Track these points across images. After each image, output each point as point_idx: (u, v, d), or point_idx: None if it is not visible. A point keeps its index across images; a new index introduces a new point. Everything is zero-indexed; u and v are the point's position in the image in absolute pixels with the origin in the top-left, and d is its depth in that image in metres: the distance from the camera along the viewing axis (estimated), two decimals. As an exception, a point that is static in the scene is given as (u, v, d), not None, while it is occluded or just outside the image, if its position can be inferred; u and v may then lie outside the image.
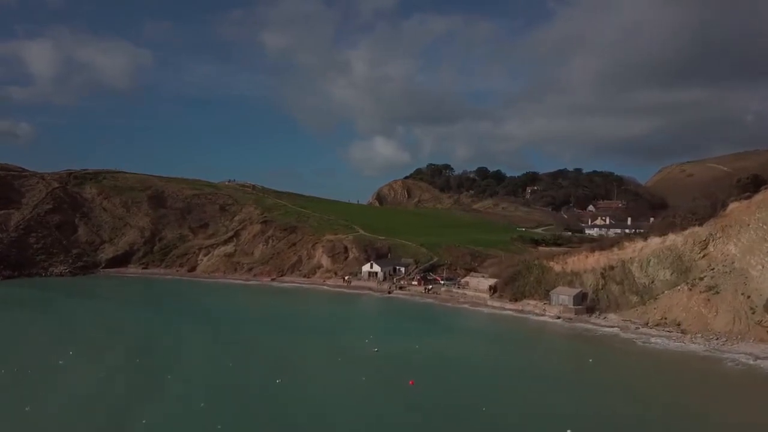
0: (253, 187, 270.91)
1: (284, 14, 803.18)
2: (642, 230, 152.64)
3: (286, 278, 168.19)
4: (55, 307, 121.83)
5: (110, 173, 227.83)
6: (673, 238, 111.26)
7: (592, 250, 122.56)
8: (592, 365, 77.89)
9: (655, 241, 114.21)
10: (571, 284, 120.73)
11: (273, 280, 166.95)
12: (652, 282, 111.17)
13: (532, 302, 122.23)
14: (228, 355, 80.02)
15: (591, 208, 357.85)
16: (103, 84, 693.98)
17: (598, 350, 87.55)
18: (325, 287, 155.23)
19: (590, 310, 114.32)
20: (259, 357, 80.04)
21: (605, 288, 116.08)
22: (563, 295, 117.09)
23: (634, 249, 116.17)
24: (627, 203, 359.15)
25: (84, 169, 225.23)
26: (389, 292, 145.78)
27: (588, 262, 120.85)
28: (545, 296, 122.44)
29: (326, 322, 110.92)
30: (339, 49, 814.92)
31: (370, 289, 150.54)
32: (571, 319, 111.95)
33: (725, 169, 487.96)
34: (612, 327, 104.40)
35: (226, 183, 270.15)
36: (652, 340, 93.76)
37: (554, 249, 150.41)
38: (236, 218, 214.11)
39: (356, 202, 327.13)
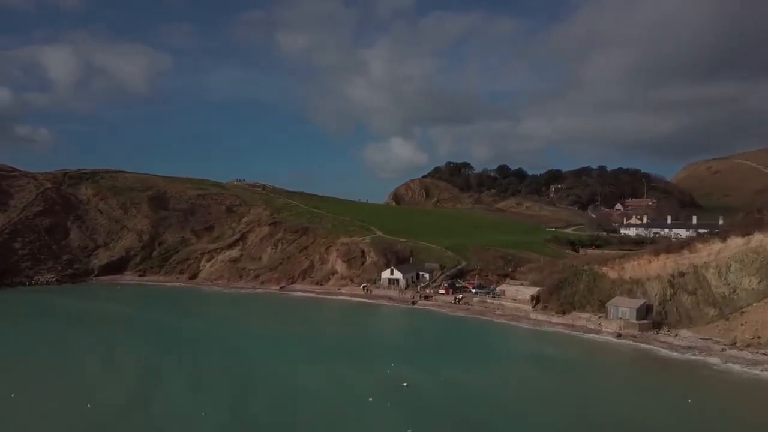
0: (263, 186, 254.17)
1: (302, 15, 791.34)
2: (707, 230, 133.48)
3: (296, 286, 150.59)
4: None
5: (108, 173, 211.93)
6: (760, 239, 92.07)
7: (656, 253, 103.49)
8: (695, 410, 59.03)
9: (736, 242, 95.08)
10: (631, 294, 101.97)
11: (282, 288, 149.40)
12: (734, 291, 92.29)
13: (585, 315, 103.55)
14: (213, 396, 62.50)
15: (619, 206, 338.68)
16: (121, 89, 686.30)
17: (690, 383, 68.74)
18: (341, 297, 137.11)
19: (657, 326, 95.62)
20: (265, 396, 62.52)
21: (674, 299, 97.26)
22: (623, 308, 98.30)
23: (710, 252, 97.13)
24: (657, 201, 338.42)
25: (80, 169, 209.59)
26: (413, 303, 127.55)
27: (651, 268, 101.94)
28: (599, 308, 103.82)
29: (344, 343, 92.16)
30: (357, 49, 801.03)
31: (390, 298, 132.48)
32: (635, 336, 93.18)
33: (754, 165, 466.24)
34: (690, 348, 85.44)
35: (234, 183, 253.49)
36: (750, 367, 74.82)
37: (605, 252, 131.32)
38: (244, 220, 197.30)
39: (365, 201, 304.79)
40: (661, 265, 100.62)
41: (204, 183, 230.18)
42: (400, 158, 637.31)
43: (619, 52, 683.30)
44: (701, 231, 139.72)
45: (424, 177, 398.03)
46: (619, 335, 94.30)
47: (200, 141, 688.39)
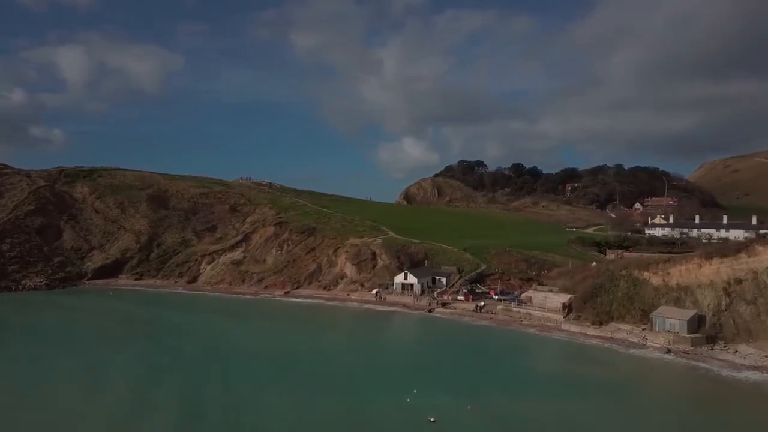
0: (270, 185, 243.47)
1: (315, 14, 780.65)
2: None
3: (302, 291, 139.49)
4: None
5: (107, 170, 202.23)
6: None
7: (708, 257, 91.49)
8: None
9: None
10: (678, 303, 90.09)
11: (287, 293, 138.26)
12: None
13: (625, 327, 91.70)
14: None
15: (638, 206, 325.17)
16: (134, 89, 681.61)
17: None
18: (350, 304, 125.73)
19: (711, 340, 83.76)
20: None
21: (731, 309, 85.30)
22: (672, 319, 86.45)
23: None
24: (679, 200, 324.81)
25: (78, 167, 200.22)
26: (429, 311, 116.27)
27: (703, 274, 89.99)
28: (641, 319, 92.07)
29: (353, 363, 79.64)
30: (369, 49, 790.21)
31: (404, 305, 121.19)
32: (687, 353, 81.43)
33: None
34: (756, 367, 73.54)
35: (240, 181, 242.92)
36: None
37: (645, 255, 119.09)
38: (248, 220, 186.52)
39: (369, 199, 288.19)
40: (714, 270, 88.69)
41: (207, 181, 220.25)
42: (411, 158, 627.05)
43: (636, 50, 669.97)
44: (763, 232, 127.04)
45: (436, 176, 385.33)
46: (668, 351, 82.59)
47: (210, 142, 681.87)
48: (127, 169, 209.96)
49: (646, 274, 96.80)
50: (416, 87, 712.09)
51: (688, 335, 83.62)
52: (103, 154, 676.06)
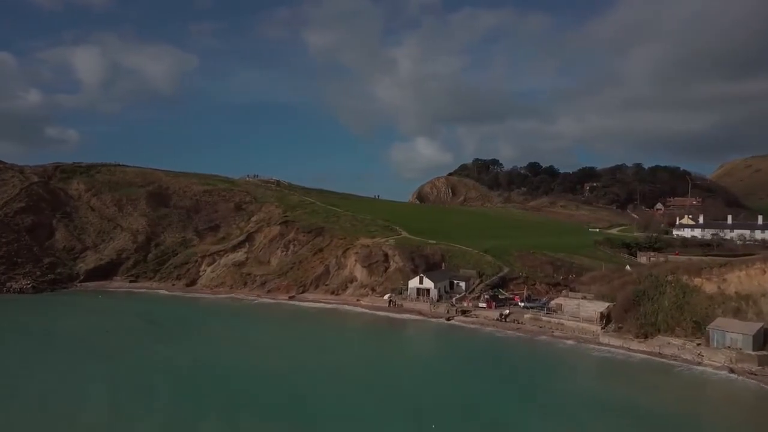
0: (278, 182, 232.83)
1: (329, 13, 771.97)
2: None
3: (308, 295, 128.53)
4: None
5: (106, 167, 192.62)
6: None
7: (774, 262, 79.43)
8: None
9: None
10: (738, 314, 78.06)
11: (292, 297, 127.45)
12: None
13: (676, 342, 79.63)
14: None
15: (659, 206, 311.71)
16: (148, 90, 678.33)
17: None
18: (360, 310, 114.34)
19: (781, 358, 71.73)
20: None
21: (803, 322, 73.20)
22: (733, 333, 74.43)
23: None
24: (703, 200, 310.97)
25: (75, 163, 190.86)
26: (448, 319, 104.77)
27: (766, 280, 77.91)
28: (693, 332, 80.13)
29: (365, 386, 66.78)
30: (384, 48, 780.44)
31: (420, 312, 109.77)
32: (754, 373, 69.41)
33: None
34: None
35: (246, 179, 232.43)
36: None
37: (693, 258, 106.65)
38: (253, 219, 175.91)
39: (377, 197, 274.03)
40: (782, 276, 76.65)
41: (212, 179, 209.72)
42: (424, 158, 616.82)
43: (654, 48, 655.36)
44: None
45: (450, 174, 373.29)
46: (731, 370, 70.66)
47: (220, 141, 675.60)
48: (127, 166, 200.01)
49: (697, 281, 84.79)
50: (431, 86, 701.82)
51: (753, 353, 71.67)
52: (115, 154, 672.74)
